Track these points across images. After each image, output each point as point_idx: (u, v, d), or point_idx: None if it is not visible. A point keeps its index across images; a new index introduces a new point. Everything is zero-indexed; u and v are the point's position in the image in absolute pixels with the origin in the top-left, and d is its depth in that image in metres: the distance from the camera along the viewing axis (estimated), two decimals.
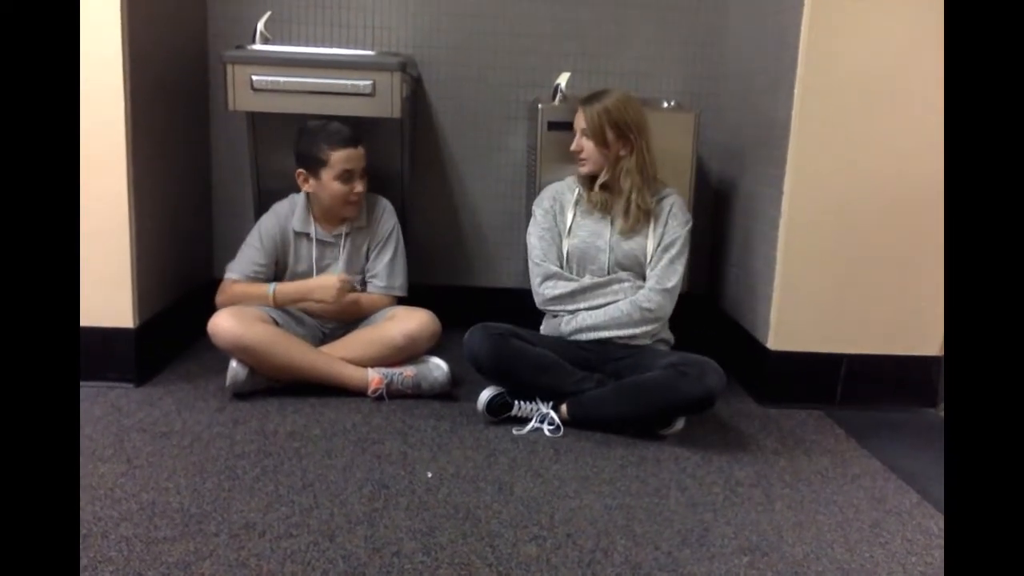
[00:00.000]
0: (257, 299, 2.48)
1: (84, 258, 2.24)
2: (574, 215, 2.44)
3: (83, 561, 1.54)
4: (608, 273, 2.39)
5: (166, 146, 2.65)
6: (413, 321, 2.48)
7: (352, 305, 2.58)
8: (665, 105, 2.77)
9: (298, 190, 2.57)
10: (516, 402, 2.29)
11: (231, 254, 2.61)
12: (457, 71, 3.09)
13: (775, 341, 2.54)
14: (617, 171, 2.37)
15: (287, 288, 2.52)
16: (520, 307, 2.62)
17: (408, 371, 2.45)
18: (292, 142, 2.53)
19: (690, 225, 2.41)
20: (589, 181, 2.43)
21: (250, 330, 2.34)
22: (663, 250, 2.37)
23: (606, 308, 2.36)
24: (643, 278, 2.39)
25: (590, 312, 2.37)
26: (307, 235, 2.58)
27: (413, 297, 2.68)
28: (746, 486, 2.01)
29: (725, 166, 3.05)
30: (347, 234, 2.60)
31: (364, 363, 2.45)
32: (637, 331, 2.35)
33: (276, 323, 2.44)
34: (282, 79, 2.51)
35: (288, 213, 2.60)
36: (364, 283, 2.66)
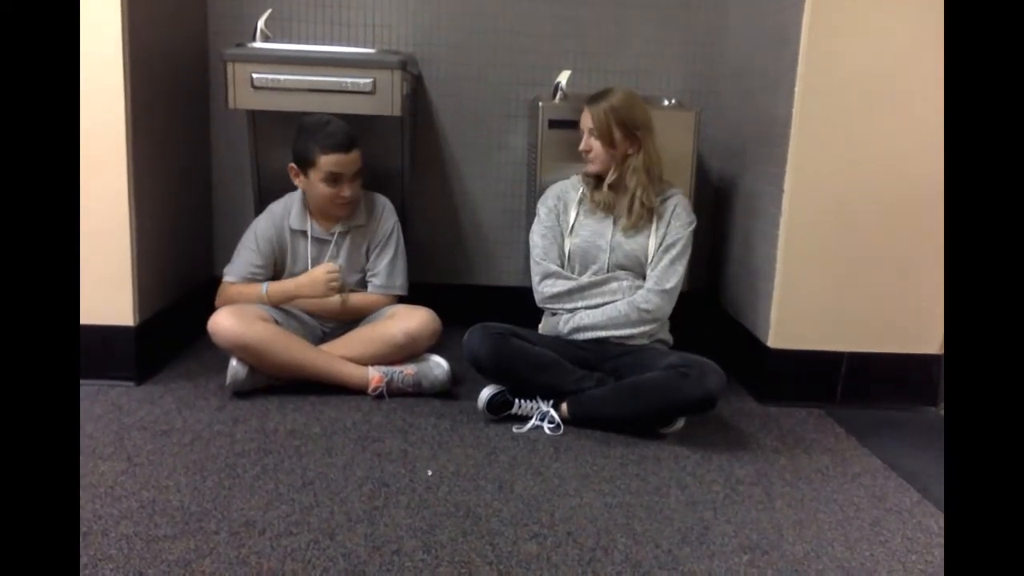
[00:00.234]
0: (252, 299, 2.49)
1: (84, 257, 2.24)
2: (577, 214, 2.44)
3: (83, 559, 1.54)
4: (608, 273, 2.39)
5: (166, 145, 2.65)
6: (414, 319, 2.48)
7: (347, 305, 2.57)
8: (665, 103, 2.77)
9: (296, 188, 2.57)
10: (516, 400, 2.29)
11: (231, 253, 2.61)
12: (457, 69, 3.09)
13: (775, 339, 2.54)
14: (624, 170, 2.37)
15: (279, 286, 2.53)
16: (520, 305, 2.62)
17: (408, 369, 2.45)
18: (282, 143, 2.53)
19: (693, 226, 2.41)
20: (595, 180, 2.43)
21: (250, 329, 2.34)
22: (664, 250, 2.37)
23: (604, 308, 2.36)
24: (643, 278, 2.39)
25: (588, 312, 2.37)
26: (304, 233, 2.58)
27: (413, 295, 2.68)
28: (746, 484, 2.01)
29: (725, 164, 3.05)
30: (345, 232, 2.59)
31: (364, 361, 2.46)
32: (634, 331, 2.35)
33: (276, 322, 2.43)
34: (283, 77, 2.51)
35: (284, 212, 2.59)
36: (365, 282, 2.66)
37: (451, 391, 2.50)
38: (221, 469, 1.95)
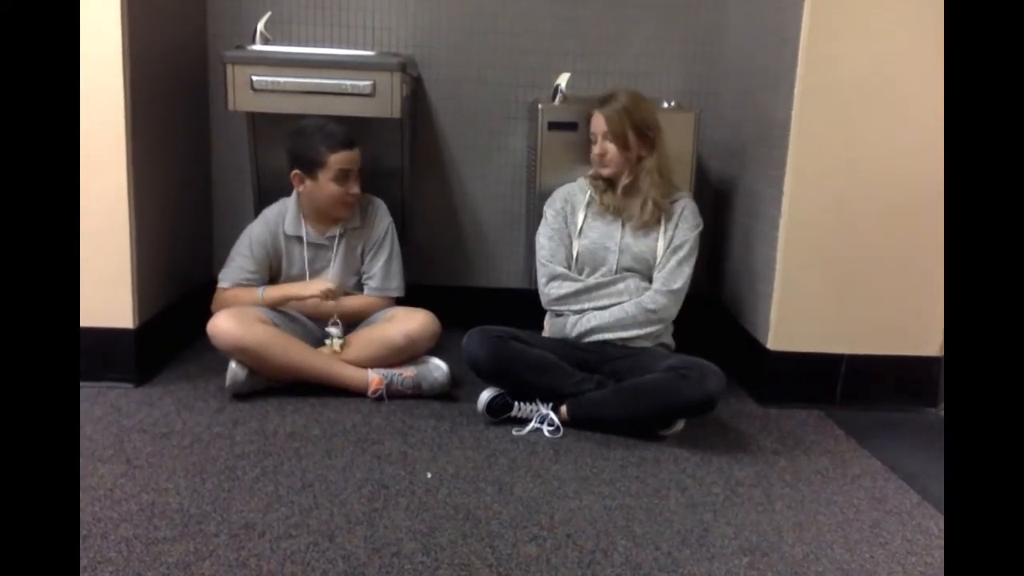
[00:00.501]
0: (248, 304, 2.48)
1: (84, 258, 2.24)
2: (585, 216, 2.44)
3: (83, 562, 1.54)
4: (616, 273, 2.39)
5: (166, 146, 2.65)
6: (413, 322, 2.48)
7: (343, 311, 2.56)
8: (665, 105, 2.77)
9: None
10: (516, 403, 2.29)
11: (230, 254, 2.61)
12: (457, 71, 3.09)
13: (775, 341, 2.54)
14: (639, 171, 2.37)
15: (275, 290, 2.52)
16: (520, 307, 2.62)
17: (408, 371, 2.45)
18: (284, 142, 2.51)
19: (700, 229, 2.41)
20: (606, 184, 2.42)
21: (250, 331, 2.34)
22: (671, 252, 2.37)
23: (611, 310, 2.36)
24: (651, 279, 2.39)
25: (595, 313, 2.37)
26: (299, 238, 2.57)
27: (413, 297, 2.67)
28: (746, 486, 2.01)
29: (725, 165, 3.05)
30: (341, 235, 2.59)
31: (364, 364, 2.45)
32: (640, 332, 2.35)
33: (275, 325, 2.43)
34: (282, 79, 2.51)
35: (278, 218, 2.58)
36: (361, 285, 2.65)
37: (451, 393, 2.50)
38: (221, 471, 1.94)
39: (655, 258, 2.38)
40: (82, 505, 1.74)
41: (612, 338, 2.36)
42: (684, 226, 2.39)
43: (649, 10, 3.08)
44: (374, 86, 2.53)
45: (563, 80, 2.68)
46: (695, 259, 2.39)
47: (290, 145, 2.49)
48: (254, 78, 2.51)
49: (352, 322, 2.61)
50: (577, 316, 2.40)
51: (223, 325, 2.34)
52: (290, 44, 2.96)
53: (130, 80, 2.32)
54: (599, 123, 2.36)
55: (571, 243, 2.43)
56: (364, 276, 2.64)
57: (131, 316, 2.42)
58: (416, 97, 3.01)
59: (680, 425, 2.28)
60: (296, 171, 2.49)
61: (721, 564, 1.65)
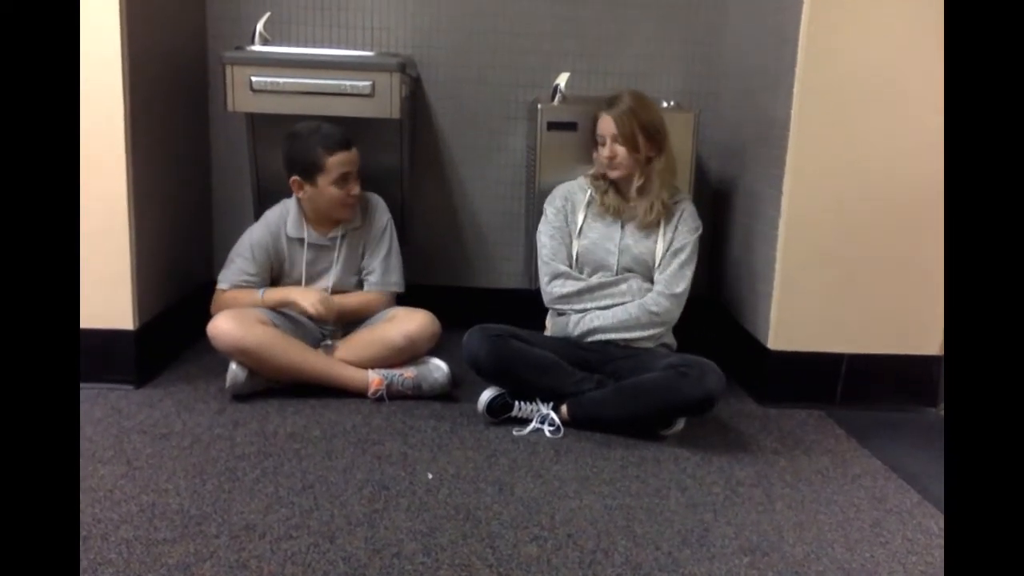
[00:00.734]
0: (248, 305, 2.48)
1: (84, 259, 2.23)
2: (585, 216, 2.44)
3: (83, 563, 1.54)
4: (617, 275, 2.39)
5: (166, 147, 2.65)
6: (413, 322, 2.48)
7: (344, 309, 2.56)
8: (665, 105, 2.77)
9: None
10: (516, 403, 2.29)
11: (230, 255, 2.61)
12: (456, 71, 3.09)
13: (775, 341, 2.54)
14: (649, 172, 2.37)
15: (275, 292, 2.52)
16: (520, 307, 2.62)
17: (408, 372, 2.45)
18: (281, 146, 2.50)
19: (700, 232, 2.41)
20: (607, 184, 2.42)
21: (250, 332, 2.34)
22: (672, 255, 2.37)
23: (614, 311, 2.36)
24: (651, 280, 2.39)
25: (598, 314, 2.37)
26: (301, 240, 2.57)
27: (412, 297, 2.67)
28: (746, 486, 2.01)
29: (725, 165, 3.05)
30: (343, 236, 2.58)
31: (364, 364, 2.45)
32: (643, 334, 2.35)
33: (275, 326, 2.43)
34: (281, 80, 2.51)
35: (279, 220, 2.57)
36: (362, 284, 2.65)
37: (451, 394, 2.50)
38: (221, 472, 1.94)
39: (654, 260, 2.38)
40: (82, 506, 1.74)
41: (615, 339, 2.36)
42: (684, 229, 2.39)
43: (649, 10, 3.08)
44: (373, 86, 2.53)
45: (562, 80, 2.67)
46: (695, 263, 2.39)
47: (286, 149, 2.48)
48: (253, 79, 2.50)
49: (354, 320, 2.60)
50: (579, 315, 2.39)
51: (223, 326, 2.34)
52: (289, 45, 2.96)
53: (129, 81, 2.32)
54: (607, 125, 2.35)
55: (571, 242, 2.43)
56: (364, 272, 2.64)
57: (131, 317, 2.42)
58: (415, 97, 3.01)
59: (680, 424, 2.28)
60: (295, 177, 2.48)
61: (721, 564, 1.65)
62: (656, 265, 2.38)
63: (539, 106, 2.64)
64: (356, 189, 2.49)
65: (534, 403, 2.29)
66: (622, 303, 2.37)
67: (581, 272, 2.43)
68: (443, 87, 3.10)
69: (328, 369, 2.43)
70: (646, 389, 2.21)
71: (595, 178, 2.45)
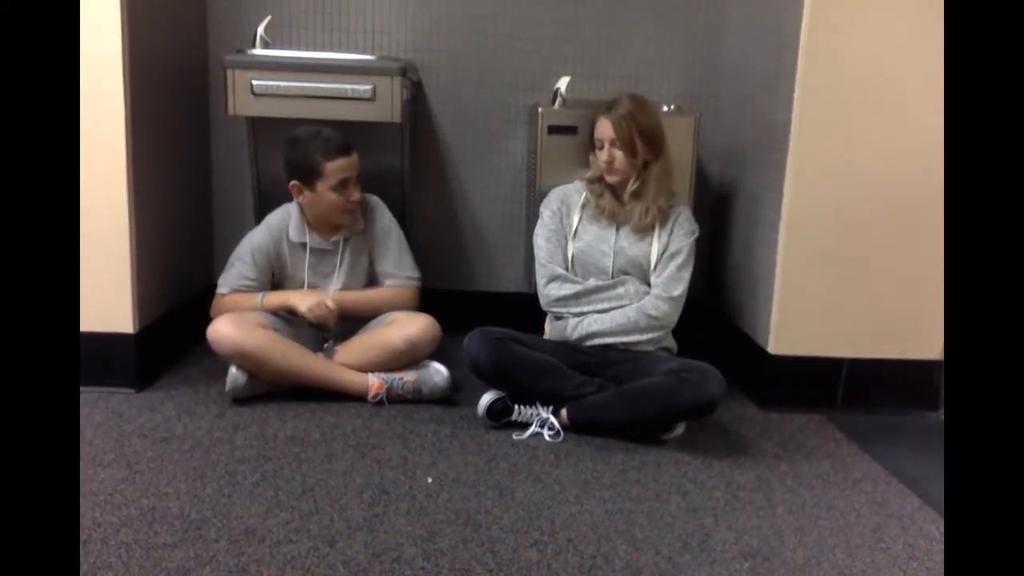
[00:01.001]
0: (247, 309, 2.48)
1: (84, 263, 2.23)
2: (580, 219, 2.44)
3: (83, 567, 1.54)
4: (612, 278, 2.39)
5: (166, 151, 2.65)
6: (414, 326, 2.47)
7: (359, 307, 2.56)
8: (665, 108, 2.77)
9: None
10: (516, 407, 2.28)
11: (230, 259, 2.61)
12: (457, 75, 3.09)
13: (776, 345, 2.53)
14: (647, 177, 2.37)
15: (273, 297, 2.51)
16: (520, 311, 2.62)
17: (408, 376, 2.45)
18: (281, 150, 2.50)
19: (696, 235, 2.41)
20: (604, 188, 2.42)
21: (250, 336, 2.34)
22: (669, 258, 2.37)
23: (612, 314, 2.36)
24: (647, 283, 2.39)
25: (596, 318, 2.37)
26: (303, 244, 2.56)
27: None
28: (747, 490, 2.01)
29: (725, 169, 3.05)
30: (346, 240, 2.58)
31: (364, 368, 2.45)
32: (642, 338, 2.35)
33: (275, 329, 2.43)
34: (282, 84, 2.52)
35: (281, 225, 2.57)
36: (368, 285, 2.64)
37: (451, 398, 2.50)
38: (221, 476, 1.94)
39: (649, 263, 2.38)
40: (82, 510, 1.74)
41: (614, 342, 2.36)
42: (679, 232, 2.39)
43: (648, 13, 3.08)
44: (374, 90, 2.53)
45: (563, 84, 2.68)
46: (692, 266, 2.39)
47: (286, 154, 2.47)
48: (254, 82, 2.51)
49: (359, 321, 2.60)
50: (578, 319, 2.39)
51: (223, 330, 2.34)
52: (290, 48, 2.96)
53: (130, 85, 2.32)
54: (606, 129, 2.35)
55: (566, 244, 2.43)
56: (380, 274, 2.62)
57: (131, 321, 2.42)
58: (416, 101, 3.01)
59: (680, 429, 2.28)
60: (294, 182, 2.48)
61: (722, 569, 1.65)
62: (652, 268, 2.38)
63: (539, 110, 2.64)
64: (356, 195, 2.48)
65: (534, 407, 2.29)
66: (620, 306, 2.37)
67: (575, 275, 2.43)
68: (444, 91, 3.11)
69: (328, 373, 2.43)
70: (646, 393, 2.21)
71: (591, 182, 2.45)
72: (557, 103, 2.66)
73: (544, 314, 2.52)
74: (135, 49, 2.34)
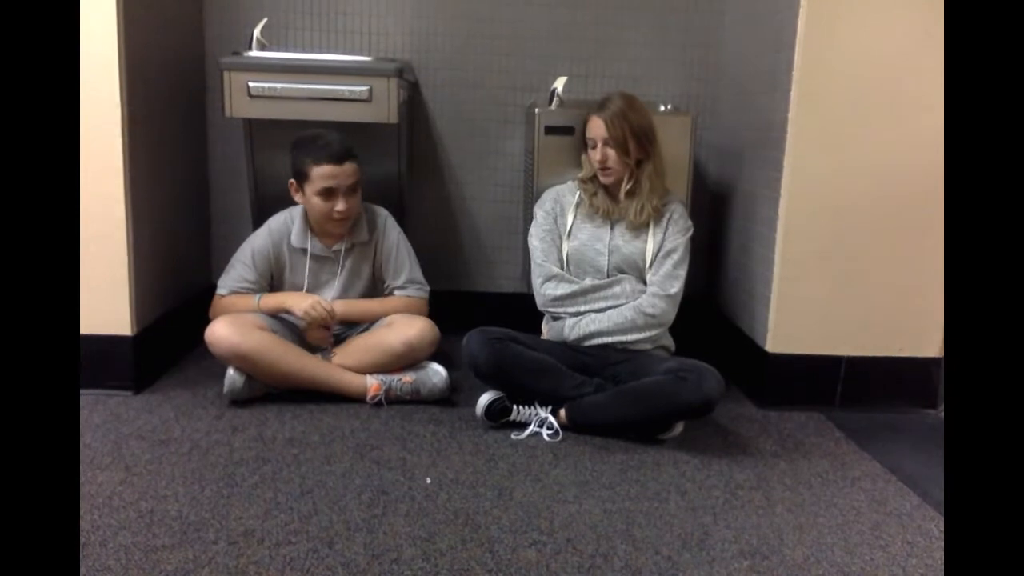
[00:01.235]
0: (245, 310, 2.47)
1: (82, 265, 2.24)
2: (574, 218, 2.44)
3: (82, 570, 1.54)
4: (608, 276, 2.39)
5: (163, 153, 2.65)
6: (413, 328, 2.47)
7: (379, 312, 2.57)
8: (662, 108, 2.78)
9: (293, 197, 2.56)
10: (515, 407, 2.28)
11: (229, 260, 2.60)
12: (454, 76, 3.09)
13: (774, 343, 2.54)
14: (640, 175, 2.37)
15: (270, 299, 2.51)
16: (518, 312, 2.62)
17: (407, 377, 2.45)
18: (279, 153, 2.51)
19: (691, 233, 2.41)
20: (597, 187, 2.42)
21: (248, 338, 2.33)
22: (664, 256, 2.37)
23: (609, 313, 2.36)
24: (643, 281, 2.39)
25: (594, 317, 2.37)
26: (304, 251, 2.56)
27: None
28: (746, 489, 2.01)
29: (722, 168, 3.05)
30: (348, 249, 2.57)
31: (362, 370, 2.45)
32: (640, 336, 2.35)
33: (273, 331, 2.42)
34: (279, 85, 2.51)
35: (283, 229, 2.56)
36: (371, 295, 2.64)
37: (449, 398, 2.50)
38: (219, 478, 1.94)
39: (644, 260, 2.38)
40: (81, 512, 1.74)
41: (612, 342, 2.36)
42: (674, 229, 2.39)
43: (646, 14, 3.08)
44: (371, 92, 2.53)
45: (560, 84, 2.68)
46: (688, 263, 2.39)
47: (291, 151, 2.48)
48: (251, 84, 2.51)
49: (360, 323, 2.60)
50: (575, 319, 2.39)
51: (220, 332, 2.34)
52: (287, 50, 2.96)
53: (127, 87, 2.32)
54: (598, 128, 2.35)
55: (561, 244, 2.44)
56: (391, 287, 2.62)
57: (129, 323, 2.42)
58: (413, 102, 3.01)
59: (679, 428, 2.28)
60: (292, 180, 2.48)
61: (721, 567, 1.65)
62: (647, 266, 2.38)
63: (536, 110, 2.64)
64: (342, 205, 2.43)
65: (532, 407, 2.29)
66: (616, 305, 2.37)
67: (571, 274, 2.43)
68: (440, 92, 3.11)
69: (326, 374, 2.43)
70: (645, 393, 2.21)
71: (584, 181, 2.45)
72: (554, 103, 2.66)
73: (542, 315, 2.52)
74: (132, 51, 2.34)
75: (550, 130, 2.63)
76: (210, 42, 3.01)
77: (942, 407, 2.61)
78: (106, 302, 2.38)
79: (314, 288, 2.57)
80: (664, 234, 2.38)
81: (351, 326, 2.60)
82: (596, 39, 3.09)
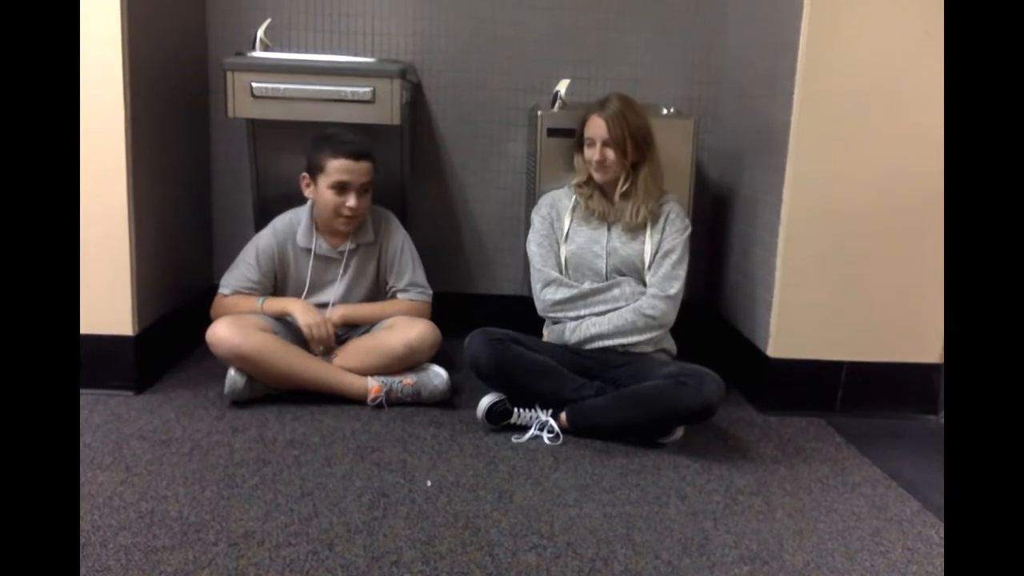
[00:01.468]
0: (247, 312, 2.47)
1: (84, 265, 2.24)
2: (571, 221, 2.44)
3: (82, 570, 1.54)
4: (607, 279, 2.39)
5: (166, 153, 2.65)
6: (414, 330, 2.47)
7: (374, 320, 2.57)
8: (664, 112, 2.78)
9: (296, 198, 2.56)
10: (516, 409, 2.28)
11: (231, 261, 2.61)
12: (457, 77, 3.10)
13: (775, 348, 2.53)
14: (636, 177, 2.37)
15: (274, 303, 2.51)
16: (519, 314, 2.62)
17: (408, 379, 2.45)
18: (303, 148, 2.52)
19: (689, 232, 2.41)
20: (593, 189, 2.42)
21: (249, 339, 2.33)
22: (663, 256, 2.37)
23: (609, 316, 2.36)
24: (642, 283, 2.39)
25: (594, 320, 2.37)
26: (309, 251, 2.56)
27: None
28: (746, 494, 2.01)
29: (724, 172, 3.05)
30: (352, 250, 2.57)
31: (363, 372, 2.45)
32: (641, 338, 2.35)
33: (275, 332, 2.42)
34: (282, 86, 2.52)
35: (288, 229, 2.57)
36: (374, 297, 2.64)
37: (450, 401, 2.50)
38: (220, 479, 1.94)
39: (643, 262, 2.38)
40: (81, 513, 1.74)
41: (613, 344, 2.36)
42: (671, 230, 2.39)
43: (648, 16, 3.08)
44: (374, 93, 2.53)
45: (562, 87, 2.68)
46: (687, 263, 2.39)
47: (309, 146, 2.49)
48: (254, 85, 2.51)
49: (361, 325, 2.60)
50: (576, 323, 2.39)
51: (221, 333, 2.34)
52: (290, 51, 2.97)
53: (130, 87, 2.32)
54: (598, 128, 2.35)
55: (559, 248, 2.44)
56: (394, 288, 2.62)
57: (131, 323, 2.42)
58: (416, 104, 3.01)
59: (679, 433, 2.28)
60: (304, 174, 2.49)
61: (721, 573, 1.65)
62: (646, 267, 2.38)
63: (539, 112, 2.64)
64: (352, 202, 2.45)
65: (533, 410, 2.29)
66: (616, 308, 2.37)
67: (569, 277, 2.42)
68: (443, 93, 3.11)
69: (327, 376, 2.43)
70: (645, 397, 2.21)
71: (579, 185, 2.45)
72: (557, 106, 2.66)
73: (543, 318, 2.52)
74: (134, 52, 2.34)
75: (553, 132, 2.62)
76: (213, 43, 3.02)
77: (943, 413, 2.61)
78: (108, 302, 2.38)
79: (318, 288, 2.57)
80: (662, 235, 2.38)
81: (352, 328, 2.60)
82: (598, 42, 3.09)
